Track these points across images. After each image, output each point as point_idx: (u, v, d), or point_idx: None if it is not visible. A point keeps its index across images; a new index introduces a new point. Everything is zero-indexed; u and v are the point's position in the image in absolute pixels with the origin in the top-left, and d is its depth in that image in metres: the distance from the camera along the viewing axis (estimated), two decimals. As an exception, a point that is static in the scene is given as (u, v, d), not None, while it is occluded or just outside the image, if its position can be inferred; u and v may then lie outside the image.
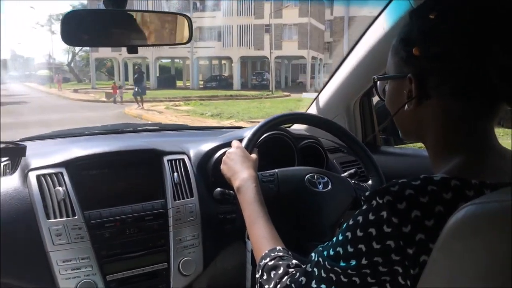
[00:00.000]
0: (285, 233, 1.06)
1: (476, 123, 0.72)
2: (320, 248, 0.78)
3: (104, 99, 22.00)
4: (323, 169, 1.47)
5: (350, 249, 0.69)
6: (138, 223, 1.28)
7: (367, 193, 0.71)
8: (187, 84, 36.56)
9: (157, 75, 34.45)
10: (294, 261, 0.88)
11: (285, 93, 25.68)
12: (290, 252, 0.93)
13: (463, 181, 0.66)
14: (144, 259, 1.28)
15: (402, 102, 0.77)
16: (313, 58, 33.40)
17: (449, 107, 0.72)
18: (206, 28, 33.71)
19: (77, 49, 42.02)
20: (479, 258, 0.53)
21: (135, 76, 18.61)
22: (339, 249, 0.71)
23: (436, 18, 0.70)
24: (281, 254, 0.91)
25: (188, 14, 1.30)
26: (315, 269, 0.76)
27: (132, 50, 1.15)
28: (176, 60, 41.08)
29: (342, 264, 0.70)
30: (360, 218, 0.70)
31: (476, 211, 0.55)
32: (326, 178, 1.31)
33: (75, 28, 1.10)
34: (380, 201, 0.67)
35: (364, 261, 0.68)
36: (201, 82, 33.96)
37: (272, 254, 0.91)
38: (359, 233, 0.68)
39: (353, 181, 1.38)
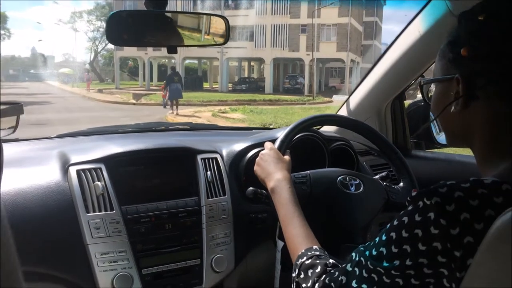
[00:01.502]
0: (316, 234, 1.07)
1: None
2: (362, 248, 0.78)
3: (132, 100, 20.61)
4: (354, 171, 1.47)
5: (394, 250, 0.69)
6: (173, 219, 1.31)
7: (413, 193, 0.70)
8: (213, 86, 34.95)
9: (183, 76, 33.56)
10: (331, 260, 0.88)
11: (327, 99, 24.05)
12: (326, 252, 0.93)
13: None
14: (178, 254, 1.31)
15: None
16: (352, 61, 31.71)
17: (497, 109, 0.71)
18: (238, 27, 31.42)
19: (99, 47, 41.25)
20: None
21: (168, 75, 16.14)
22: (382, 249, 0.71)
23: (485, 19, 0.71)
24: (318, 253, 0.91)
25: (219, 12, 1.32)
26: (356, 269, 0.75)
27: (172, 50, 1.19)
28: (203, 61, 39.44)
29: (385, 264, 0.70)
30: (405, 218, 0.69)
31: None
32: (358, 180, 1.31)
33: (119, 28, 1.14)
34: (428, 202, 0.66)
35: (408, 262, 0.67)
36: (230, 85, 32.41)
37: (309, 253, 0.92)
38: (404, 234, 0.68)
39: (384, 183, 1.38)
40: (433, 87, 0.84)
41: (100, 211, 1.23)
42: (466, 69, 0.73)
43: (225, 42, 1.27)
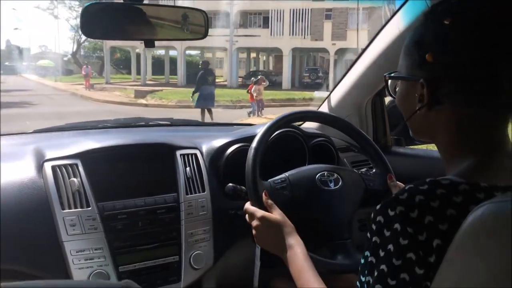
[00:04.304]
0: (304, 236, 1.07)
1: (487, 128, 0.72)
2: None
3: (142, 100, 16.87)
4: None
5: (375, 274, 0.67)
6: (151, 216, 1.30)
7: (377, 207, 0.69)
8: (217, 80, 30.89)
9: (185, 69, 28.17)
10: None
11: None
12: None
13: (472, 185, 0.66)
14: (156, 251, 1.30)
15: (412, 104, 0.77)
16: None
17: (461, 114, 0.72)
18: (249, 12, 27.76)
19: (83, 37, 38.22)
20: (495, 257, 0.53)
21: (200, 74, 11.14)
22: (368, 278, 0.68)
23: (451, 24, 0.70)
24: None
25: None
26: None
27: (149, 43, 1.17)
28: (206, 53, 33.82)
29: None
30: (376, 238, 0.68)
31: (494, 210, 0.55)
32: (335, 175, 1.32)
33: (94, 20, 1.12)
34: (392, 213, 0.66)
35: (391, 282, 0.64)
36: (239, 79, 27.20)
37: None
38: (381, 254, 0.66)
39: (360, 171, 1.39)
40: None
41: (76, 207, 1.21)
42: (430, 74, 0.72)
43: (204, 37, 1.26)
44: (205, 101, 10.97)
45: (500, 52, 0.67)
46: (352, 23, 24.81)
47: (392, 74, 0.85)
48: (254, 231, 1.14)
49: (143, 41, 1.19)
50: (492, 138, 0.72)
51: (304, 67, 30.36)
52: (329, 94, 1.94)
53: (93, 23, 1.11)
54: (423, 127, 0.79)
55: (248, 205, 1.18)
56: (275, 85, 25.59)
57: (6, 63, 42.95)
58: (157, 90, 19.45)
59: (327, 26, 25.73)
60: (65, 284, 0.83)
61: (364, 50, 1.71)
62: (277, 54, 30.64)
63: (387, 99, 1.90)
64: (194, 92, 11.24)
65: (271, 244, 1.11)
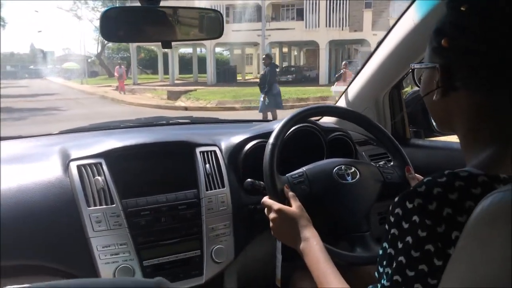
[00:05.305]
0: (322, 230, 1.09)
1: (504, 117, 0.71)
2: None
3: (181, 103, 15.39)
4: None
5: (394, 265, 0.68)
6: (172, 212, 1.33)
7: (396, 199, 0.70)
8: (246, 78, 28.69)
9: (215, 67, 26.85)
10: None
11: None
12: None
13: (491, 177, 0.66)
14: (178, 246, 1.33)
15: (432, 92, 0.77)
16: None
17: (476, 100, 0.72)
18: (281, 4, 26.42)
19: None
20: (507, 244, 0.53)
21: (268, 71, 9.48)
22: (387, 269, 0.69)
23: (467, 10, 0.70)
24: None
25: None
26: None
27: (167, 45, 1.20)
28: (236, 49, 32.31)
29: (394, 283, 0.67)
30: (394, 230, 0.68)
31: (503, 198, 0.56)
32: (353, 168, 1.32)
33: (113, 24, 1.16)
34: (410, 206, 0.66)
35: (410, 273, 0.65)
36: None
37: None
38: (399, 245, 0.67)
39: (377, 164, 1.39)
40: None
41: (101, 205, 1.26)
42: (446, 60, 0.73)
43: (219, 36, 1.29)
44: (276, 101, 9.53)
45: None
46: (395, 11, 21.87)
47: (416, 64, 0.86)
48: (271, 224, 1.17)
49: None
50: (509, 127, 0.71)
51: (341, 60, 28.02)
52: (346, 88, 1.95)
53: (113, 26, 1.15)
54: (442, 115, 0.80)
55: (265, 198, 1.21)
56: (309, 80, 24.39)
57: (31, 67, 42.98)
58: (191, 90, 18.28)
59: (367, 16, 23.64)
60: (94, 282, 0.87)
61: (379, 43, 1.71)
62: (309, 48, 28.76)
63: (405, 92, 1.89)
64: (265, 93, 9.48)
65: (287, 237, 1.13)
